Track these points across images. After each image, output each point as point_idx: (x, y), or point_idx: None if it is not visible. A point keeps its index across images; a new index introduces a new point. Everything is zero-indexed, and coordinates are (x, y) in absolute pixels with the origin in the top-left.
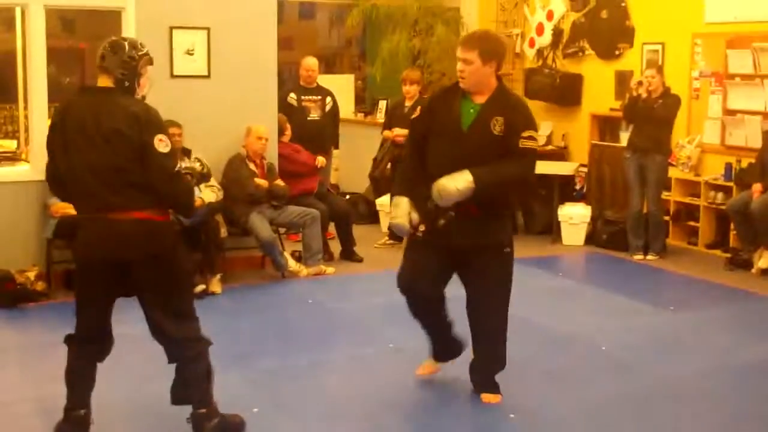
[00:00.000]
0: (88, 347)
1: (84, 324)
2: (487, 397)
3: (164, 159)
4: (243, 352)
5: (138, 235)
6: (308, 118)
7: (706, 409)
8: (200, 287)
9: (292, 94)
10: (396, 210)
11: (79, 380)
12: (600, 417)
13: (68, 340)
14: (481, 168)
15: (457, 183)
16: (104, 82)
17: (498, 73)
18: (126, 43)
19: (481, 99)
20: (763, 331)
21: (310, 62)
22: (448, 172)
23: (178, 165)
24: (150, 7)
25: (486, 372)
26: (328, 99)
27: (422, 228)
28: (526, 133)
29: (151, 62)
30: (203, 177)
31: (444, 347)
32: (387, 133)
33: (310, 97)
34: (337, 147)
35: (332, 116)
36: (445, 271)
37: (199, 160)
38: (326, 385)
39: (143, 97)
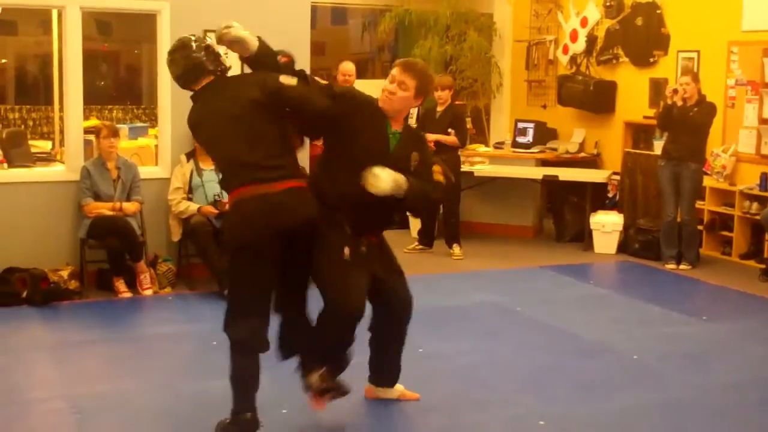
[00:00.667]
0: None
1: (247, 321)
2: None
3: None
4: (271, 353)
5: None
6: None
7: (737, 421)
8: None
9: None
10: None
11: (244, 382)
12: (630, 426)
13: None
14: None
15: (396, 177)
16: (201, 81)
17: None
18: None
19: (397, 127)
20: None
21: (348, 67)
22: (358, 196)
23: None
24: (184, 11)
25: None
26: None
27: (347, 251)
28: (436, 168)
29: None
30: None
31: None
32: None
33: None
34: None
35: None
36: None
37: None
38: (353, 387)
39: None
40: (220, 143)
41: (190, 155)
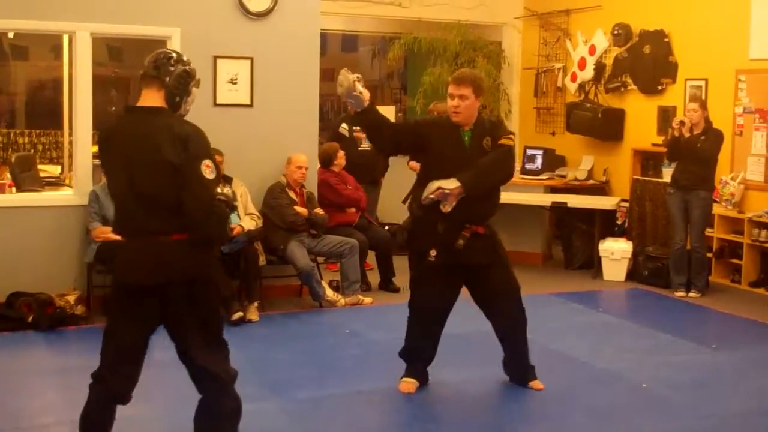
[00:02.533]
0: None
1: (110, 356)
2: (536, 384)
3: (205, 186)
4: (279, 381)
5: (179, 257)
6: (359, 149)
7: None
8: (238, 314)
9: (344, 125)
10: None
11: (93, 428)
12: None
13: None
14: (466, 173)
15: (449, 183)
16: (151, 96)
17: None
18: (178, 55)
19: (469, 126)
20: None
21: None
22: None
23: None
24: (194, 37)
25: (527, 367)
26: None
27: (433, 253)
28: (503, 139)
29: (197, 86)
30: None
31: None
32: (413, 164)
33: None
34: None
35: None
36: (454, 292)
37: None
38: (362, 415)
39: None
40: None
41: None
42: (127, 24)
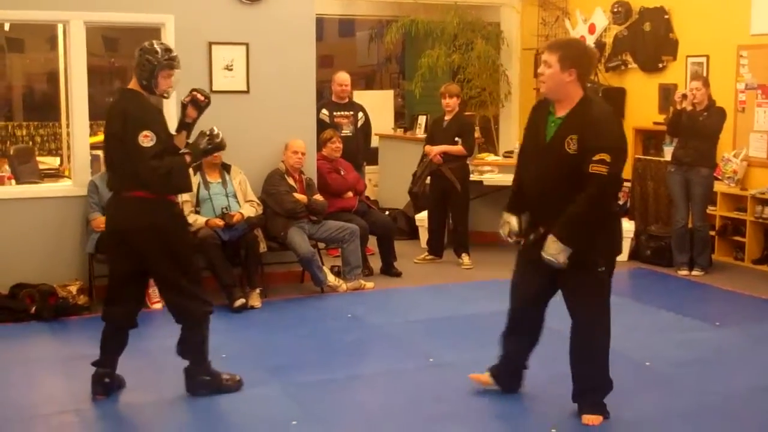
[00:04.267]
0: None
1: (112, 291)
2: (586, 419)
3: (145, 151)
4: (282, 365)
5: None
6: (341, 134)
7: (751, 426)
8: (240, 301)
9: (324, 110)
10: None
11: (108, 349)
12: None
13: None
14: (559, 224)
15: (556, 255)
16: (131, 80)
17: (579, 83)
18: (149, 45)
19: (562, 112)
20: None
21: (343, 77)
22: (531, 188)
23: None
24: (189, 24)
25: (581, 392)
26: (360, 114)
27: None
28: (597, 156)
29: (171, 67)
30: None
31: (508, 372)
32: (428, 147)
33: (342, 113)
34: (369, 162)
35: (364, 131)
36: (545, 290)
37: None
38: (364, 399)
39: (160, 95)
40: None
41: (197, 168)
42: (120, 12)
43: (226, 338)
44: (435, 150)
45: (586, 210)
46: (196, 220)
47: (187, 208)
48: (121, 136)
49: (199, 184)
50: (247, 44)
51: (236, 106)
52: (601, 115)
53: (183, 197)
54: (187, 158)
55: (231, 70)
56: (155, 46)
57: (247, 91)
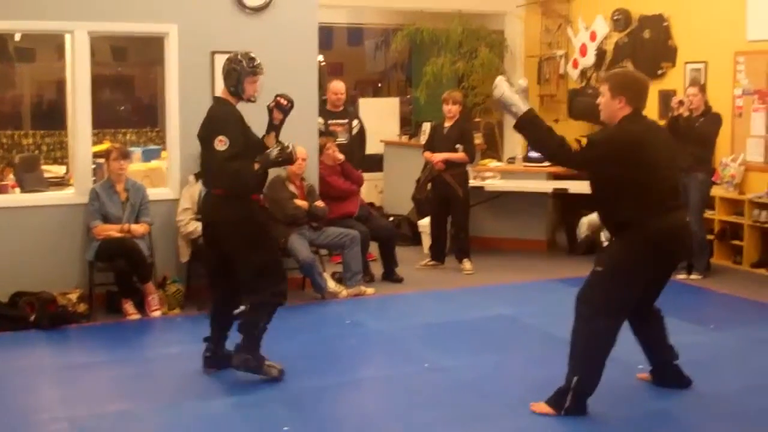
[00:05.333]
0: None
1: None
2: (537, 405)
3: (219, 154)
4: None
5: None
6: (336, 142)
7: (744, 429)
8: (241, 308)
9: (319, 119)
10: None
11: (213, 322)
12: None
13: None
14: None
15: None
16: (222, 89)
17: (631, 111)
18: (234, 56)
19: None
20: None
21: (338, 86)
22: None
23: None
24: (192, 33)
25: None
26: (355, 122)
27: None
28: (582, 139)
29: (254, 73)
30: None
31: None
32: (428, 154)
33: (337, 121)
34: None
35: (359, 139)
36: None
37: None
38: (362, 403)
39: (247, 100)
40: None
41: (199, 176)
42: (124, 22)
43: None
44: (437, 157)
45: (549, 145)
46: (196, 227)
47: (187, 216)
48: (204, 139)
49: (200, 191)
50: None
51: None
52: (613, 126)
53: (184, 204)
54: (256, 165)
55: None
56: (239, 56)
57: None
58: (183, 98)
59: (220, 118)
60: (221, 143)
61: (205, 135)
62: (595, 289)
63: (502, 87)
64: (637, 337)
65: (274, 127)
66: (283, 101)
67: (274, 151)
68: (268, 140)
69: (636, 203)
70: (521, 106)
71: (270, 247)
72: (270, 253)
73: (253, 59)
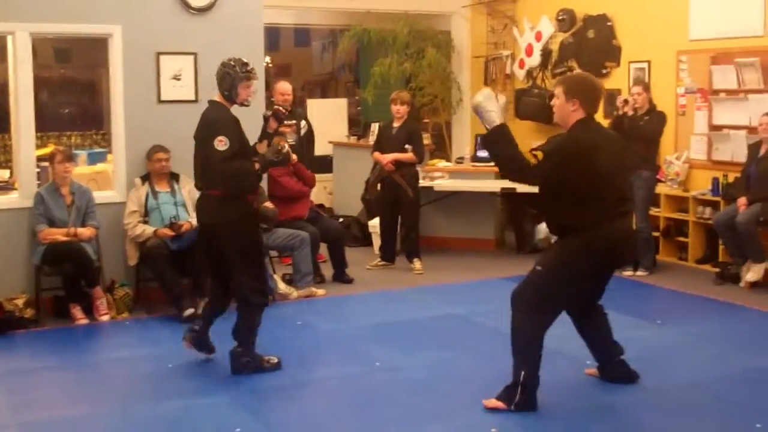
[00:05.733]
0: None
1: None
2: (489, 401)
3: (219, 153)
4: (229, 374)
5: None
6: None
7: (689, 421)
8: (189, 311)
9: None
10: None
11: (205, 312)
12: (581, 428)
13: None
14: (512, 147)
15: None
16: (217, 94)
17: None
18: (228, 61)
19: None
20: (747, 343)
21: (285, 87)
22: None
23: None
24: (136, 34)
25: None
26: (303, 123)
27: None
28: (536, 152)
29: (248, 78)
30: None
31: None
32: (377, 155)
33: (285, 122)
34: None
35: (307, 140)
36: None
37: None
38: (314, 404)
39: (241, 104)
40: None
41: (145, 178)
42: (67, 23)
43: (174, 348)
44: (386, 158)
45: (511, 166)
46: (144, 230)
47: (134, 218)
48: (202, 140)
49: (147, 194)
50: (195, 54)
51: (185, 116)
52: (565, 134)
53: (131, 207)
54: (256, 165)
55: (179, 79)
56: (232, 61)
57: (196, 101)
58: (128, 100)
59: (219, 120)
60: (221, 143)
61: (203, 136)
62: (532, 286)
63: (485, 93)
64: (581, 335)
65: (267, 135)
66: (281, 109)
67: (269, 153)
68: (260, 147)
69: (583, 209)
70: (496, 118)
71: (259, 250)
72: (259, 256)
73: (246, 64)
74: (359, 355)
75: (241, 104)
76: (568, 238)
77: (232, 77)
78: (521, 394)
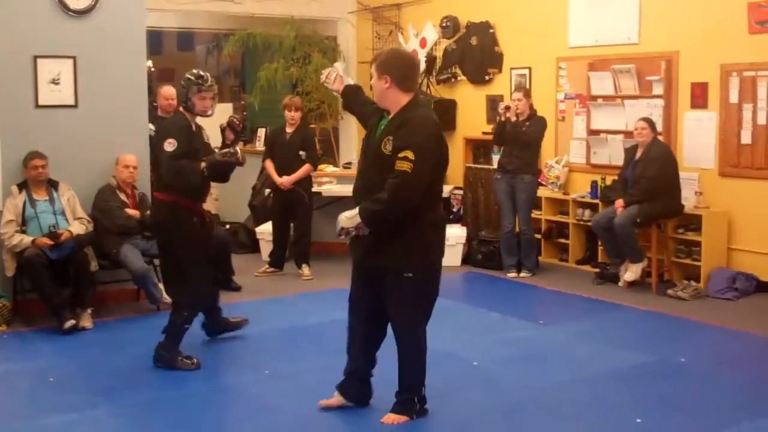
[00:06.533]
0: None
1: None
2: (388, 417)
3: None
4: (113, 387)
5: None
6: None
7: (569, 418)
8: (70, 323)
9: (150, 125)
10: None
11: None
12: (470, 430)
13: None
14: (367, 201)
15: (347, 215)
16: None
17: (399, 89)
18: (188, 75)
19: (390, 115)
20: (625, 340)
21: (170, 91)
22: (357, 183)
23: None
24: (12, 36)
25: (399, 393)
26: None
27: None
28: (402, 154)
29: (200, 90)
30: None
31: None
32: (269, 165)
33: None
34: None
35: None
36: (367, 294)
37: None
38: (200, 415)
39: (200, 114)
40: None
41: (22, 186)
42: None
43: (56, 361)
44: (288, 181)
45: (388, 200)
46: (21, 239)
47: (11, 228)
48: (156, 145)
49: (24, 202)
50: (74, 57)
51: (63, 121)
52: (415, 118)
53: (7, 216)
54: (202, 164)
55: (57, 84)
56: (189, 74)
57: (75, 106)
58: (3, 105)
59: (170, 125)
60: (170, 144)
61: (157, 140)
62: (411, 300)
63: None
64: (366, 346)
65: (226, 146)
66: (236, 121)
67: (219, 154)
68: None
69: (432, 195)
70: (352, 214)
71: (192, 253)
72: (194, 260)
73: (201, 76)
74: (248, 363)
75: (201, 114)
76: (415, 231)
77: (186, 88)
78: (421, 405)
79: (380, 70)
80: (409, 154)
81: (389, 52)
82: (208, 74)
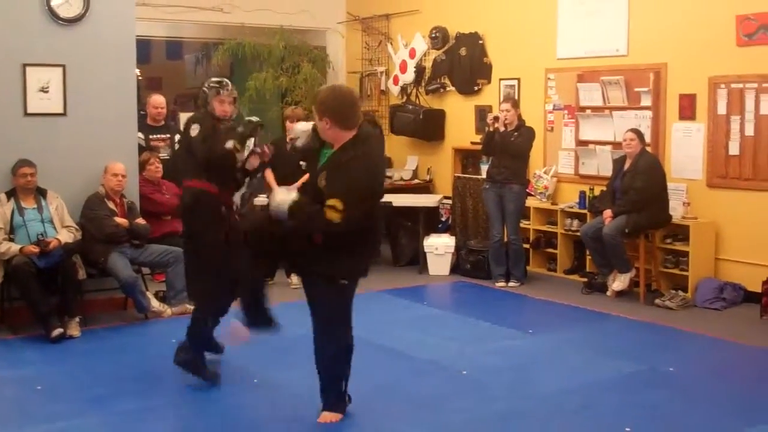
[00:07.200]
0: None
1: None
2: (323, 416)
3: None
4: (101, 395)
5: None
6: (158, 157)
7: (557, 427)
8: (58, 331)
9: (139, 134)
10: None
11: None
12: None
13: None
14: (310, 205)
15: (283, 196)
16: None
17: (340, 129)
18: (208, 81)
19: (336, 147)
20: (612, 349)
21: (159, 100)
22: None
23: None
24: (1, 44)
25: (322, 391)
26: (177, 136)
27: None
28: (329, 201)
29: (217, 93)
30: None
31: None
32: (269, 175)
33: (159, 136)
34: None
35: None
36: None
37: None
38: (189, 423)
39: (220, 118)
40: None
41: (10, 194)
42: None
43: (43, 369)
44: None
45: (318, 227)
46: (9, 247)
47: (0, 235)
48: (184, 138)
49: (13, 210)
50: (63, 66)
51: (52, 129)
52: (351, 161)
53: None
54: (229, 143)
55: (47, 92)
56: (208, 80)
57: (64, 114)
58: None
59: (194, 117)
60: (195, 129)
61: (184, 134)
62: (342, 308)
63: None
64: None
65: (247, 174)
66: (267, 151)
67: (239, 126)
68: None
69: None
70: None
71: (216, 253)
72: (218, 261)
73: (220, 81)
74: (237, 372)
75: (222, 117)
76: (334, 242)
77: (205, 93)
78: (347, 402)
79: (319, 113)
80: (338, 204)
81: (328, 93)
82: (227, 80)
